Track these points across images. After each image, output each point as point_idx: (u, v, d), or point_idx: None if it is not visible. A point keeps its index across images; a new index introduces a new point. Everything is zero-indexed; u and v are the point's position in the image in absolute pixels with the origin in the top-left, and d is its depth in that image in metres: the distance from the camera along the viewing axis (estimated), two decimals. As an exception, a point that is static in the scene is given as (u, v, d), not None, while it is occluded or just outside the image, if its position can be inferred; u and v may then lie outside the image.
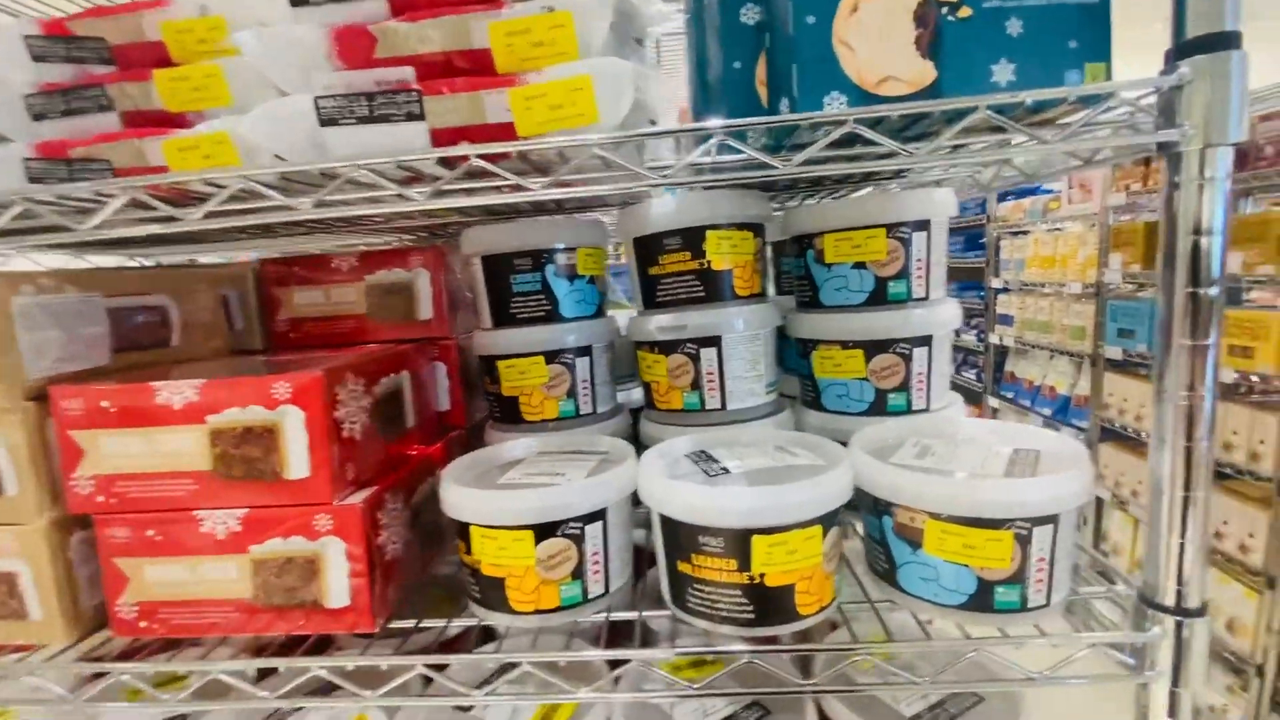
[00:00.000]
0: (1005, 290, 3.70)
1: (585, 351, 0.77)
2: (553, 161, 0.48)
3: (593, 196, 0.80)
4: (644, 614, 0.58)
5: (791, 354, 0.82)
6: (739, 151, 0.46)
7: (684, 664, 0.67)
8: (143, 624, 0.59)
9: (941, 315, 0.68)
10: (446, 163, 0.47)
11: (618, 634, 0.75)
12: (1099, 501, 2.89)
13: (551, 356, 0.75)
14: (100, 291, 0.65)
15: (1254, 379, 2.14)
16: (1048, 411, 3.22)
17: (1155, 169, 2.73)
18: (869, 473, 0.55)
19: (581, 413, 0.77)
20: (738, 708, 0.62)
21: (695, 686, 0.52)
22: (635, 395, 0.96)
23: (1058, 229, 3.37)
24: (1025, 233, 3.59)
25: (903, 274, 0.68)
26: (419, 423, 0.76)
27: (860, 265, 0.69)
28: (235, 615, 0.59)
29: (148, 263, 1.07)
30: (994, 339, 3.75)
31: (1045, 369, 3.40)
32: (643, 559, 0.73)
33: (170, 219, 0.49)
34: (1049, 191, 3.56)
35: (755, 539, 0.50)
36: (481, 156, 0.45)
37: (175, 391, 0.57)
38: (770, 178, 0.46)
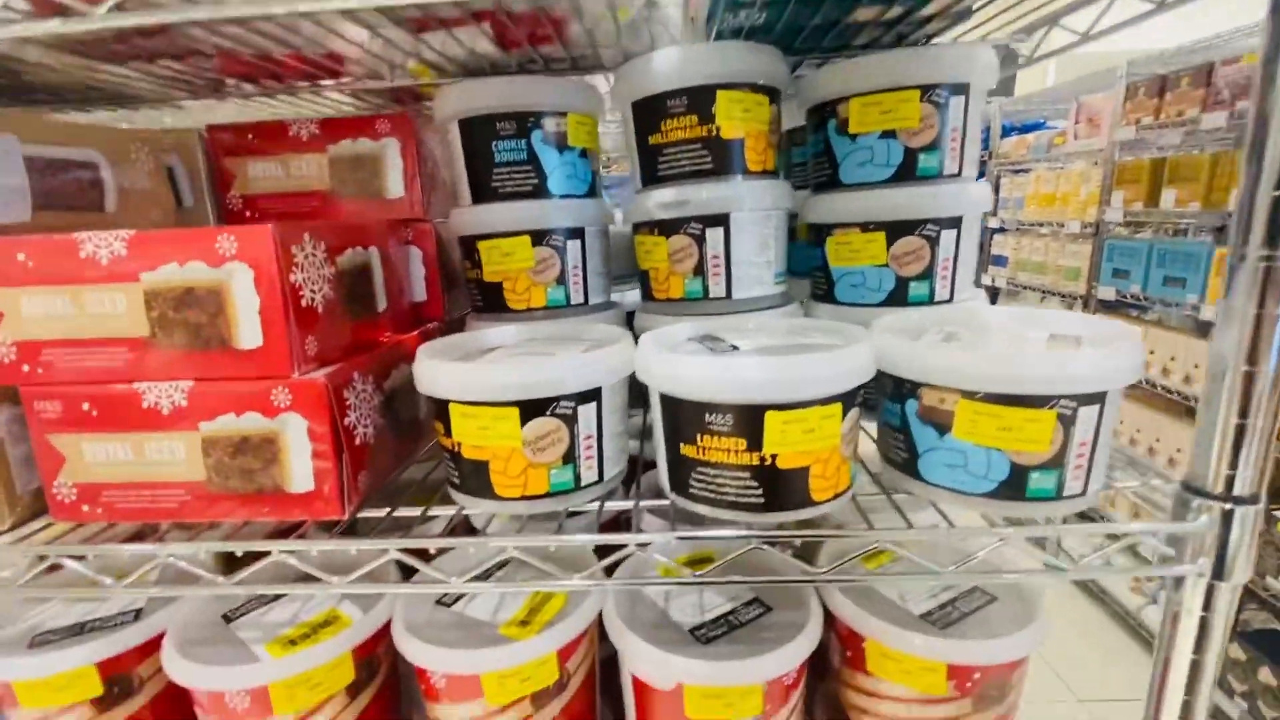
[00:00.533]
0: (1001, 230, 3.63)
1: (577, 234, 0.69)
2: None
3: (585, 54, 0.71)
4: (642, 503, 0.53)
5: (799, 254, 0.75)
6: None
7: (682, 561, 0.63)
8: (85, 508, 0.54)
9: (974, 194, 0.61)
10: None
11: (612, 527, 0.71)
12: (1078, 441, 2.92)
13: (539, 237, 0.67)
14: (15, 135, 0.56)
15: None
16: (1036, 353, 3.22)
17: (1169, 100, 2.63)
18: (894, 351, 0.49)
19: (572, 302, 0.71)
20: (737, 604, 0.59)
21: (696, 574, 0.47)
22: (630, 297, 0.90)
23: (1060, 166, 3.28)
24: (1027, 170, 3.50)
25: (935, 145, 0.61)
26: (391, 309, 0.69)
27: (889, 135, 0.61)
28: (188, 500, 0.53)
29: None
30: (986, 280, 3.70)
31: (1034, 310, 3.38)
32: (636, 467, 0.68)
33: (71, 13, 0.40)
34: (1054, 127, 3.44)
35: (769, 415, 0.45)
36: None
37: (102, 244, 0.49)
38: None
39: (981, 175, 3.73)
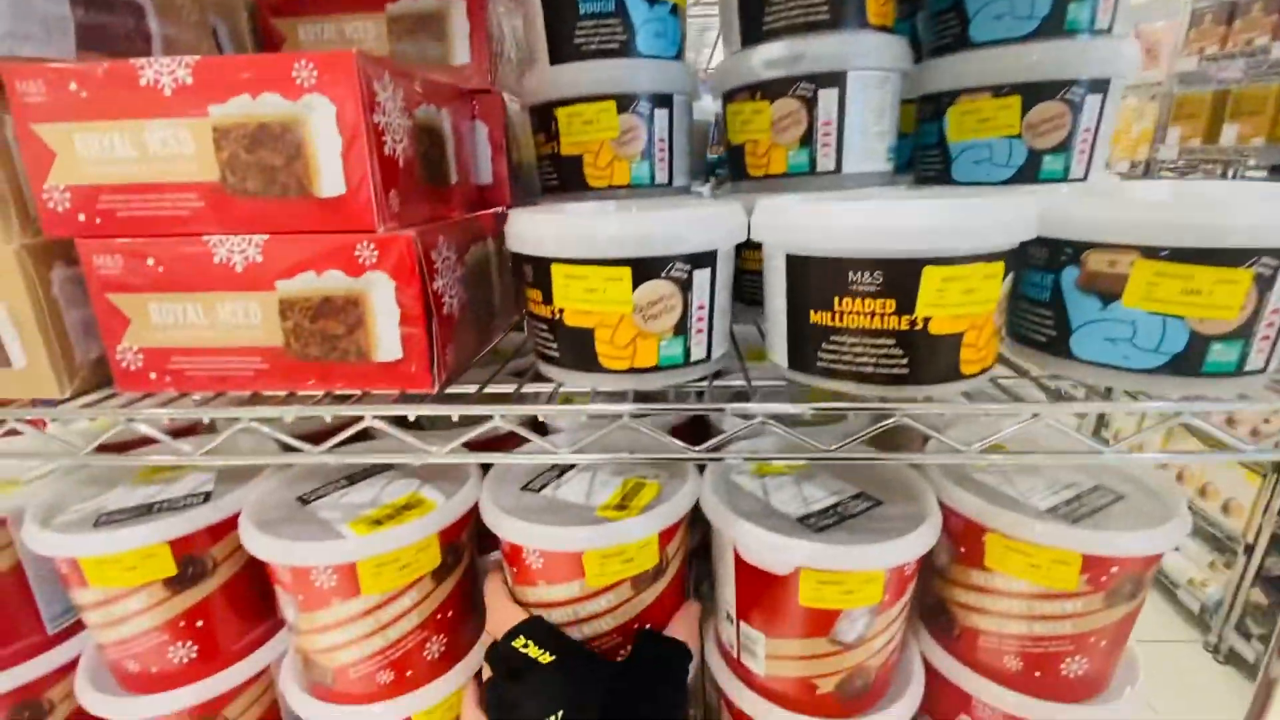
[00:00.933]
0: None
1: (665, 102, 0.62)
2: None
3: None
4: (755, 382, 0.49)
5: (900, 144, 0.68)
6: None
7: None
8: (151, 375, 0.50)
9: (1127, 53, 0.54)
10: None
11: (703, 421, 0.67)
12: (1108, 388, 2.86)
13: (625, 103, 0.61)
14: (54, -39, 0.50)
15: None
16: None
17: (1237, 28, 2.46)
18: (1055, 210, 0.44)
19: (656, 181, 0.65)
20: (843, 496, 0.55)
21: (831, 448, 0.43)
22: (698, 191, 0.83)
23: (1111, 101, 3.10)
24: (1073, 107, 3.31)
25: (1088, -8, 0.53)
26: (461, 186, 0.63)
27: (1034, -19, 0.53)
28: (265, 368, 0.49)
29: None
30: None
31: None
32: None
33: None
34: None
35: (927, 271, 0.40)
36: None
37: (164, 71, 0.43)
38: None
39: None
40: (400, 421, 0.49)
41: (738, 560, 0.51)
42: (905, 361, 0.42)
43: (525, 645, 0.48)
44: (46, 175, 0.46)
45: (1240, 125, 2.40)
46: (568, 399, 0.63)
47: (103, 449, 0.52)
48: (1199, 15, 2.59)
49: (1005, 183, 0.58)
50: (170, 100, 0.43)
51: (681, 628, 0.52)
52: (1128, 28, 0.56)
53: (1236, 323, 0.41)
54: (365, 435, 0.50)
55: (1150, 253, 0.41)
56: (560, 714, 0.43)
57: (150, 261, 0.47)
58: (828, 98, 0.56)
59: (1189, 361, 0.42)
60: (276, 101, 0.43)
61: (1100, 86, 0.55)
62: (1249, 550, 2.05)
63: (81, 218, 0.46)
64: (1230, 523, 2.18)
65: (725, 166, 0.69)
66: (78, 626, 0.65)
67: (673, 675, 0.49)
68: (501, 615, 0.51)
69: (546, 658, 0.47)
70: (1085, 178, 0.58)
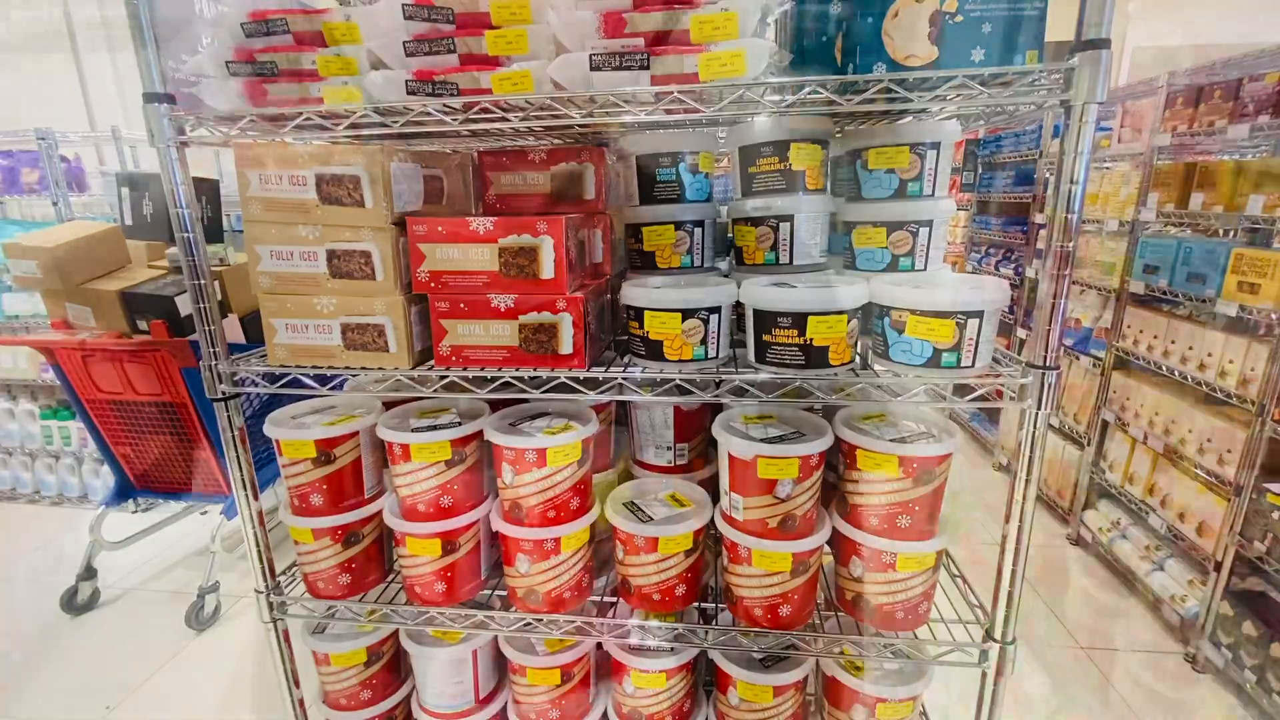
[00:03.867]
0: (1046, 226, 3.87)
1: (699, 224, 1.16)
2: (714, 97, 0.86)
3: (712, 117, 1.17)
4: (740, 368, 1.01)
5: (835, 239, 1.20)
6: (821, 94, 0.83)
7: (753, 417, 1.10)
8: (453, 359, 1.05)
9: (941, 207, 1.05)
10: (658, 94, 0.86)
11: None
12: (1104, 424, 3.19)
13: (678, 225, 1.15)
14: (420, 163, 1.07)
15: (1256, 313, 2.38)
16: (1070, 342, 3.49)
17: (1202, 111, 2.87)
18: (880, 289, 0.95)
19: (695, 265, 1.18)
20: (785, 431, 1.06)
21: (772, 395, 0.95)
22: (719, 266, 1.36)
23: (1105, 166, 3.51)
24: (1074, 170, 3.72)
25: (919, 177, 1.04)
26: (591, 265, 1.18)
27: (891, 170, 1.05)
28: (508, 356, 1.03)
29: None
30: (1030, 273, 3.96)
31: (1072, 302, 3.64)
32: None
33: (503, 119, 0.89)
34: (1104, 129, 3.66)
35: (810, 318, 0.91)
36: (680, 91, 0.84)
37: (480, 224, 0.99)
38: (837, 111, 0.83)
39: (1034, 172, 3.98)
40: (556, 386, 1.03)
41: (730, 458, 1.02)
42: (803, 359, 0.94)
43: None
44: (419, 266, 1.02)
45: (1205, 194, 2.80)
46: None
47: (391, 402, 1.07)
48: (1173, 97, 3.01)
49: (881, 271, 1.09)
50: (481, 235, 0.99)
51: None
52: (945, 189, 1.07)
53: (952, 344, 0.90)
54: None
55: (914, 311, 0.91)
56: None
57: (461, 305, 1.02)
58: (785, 227, 1.09)
59: (934, 362, 0.92)
60: (528, 238, 0.98)
61: (927, 223, 1.05)
62: (1218, 568, 2.37)
63: (433, 285, 1.03)
64: (1204, 543, 2.49)
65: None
66: (376, 496, 1.20)
67: None
68: None
69: None
70: (925, 269, 1.08)
